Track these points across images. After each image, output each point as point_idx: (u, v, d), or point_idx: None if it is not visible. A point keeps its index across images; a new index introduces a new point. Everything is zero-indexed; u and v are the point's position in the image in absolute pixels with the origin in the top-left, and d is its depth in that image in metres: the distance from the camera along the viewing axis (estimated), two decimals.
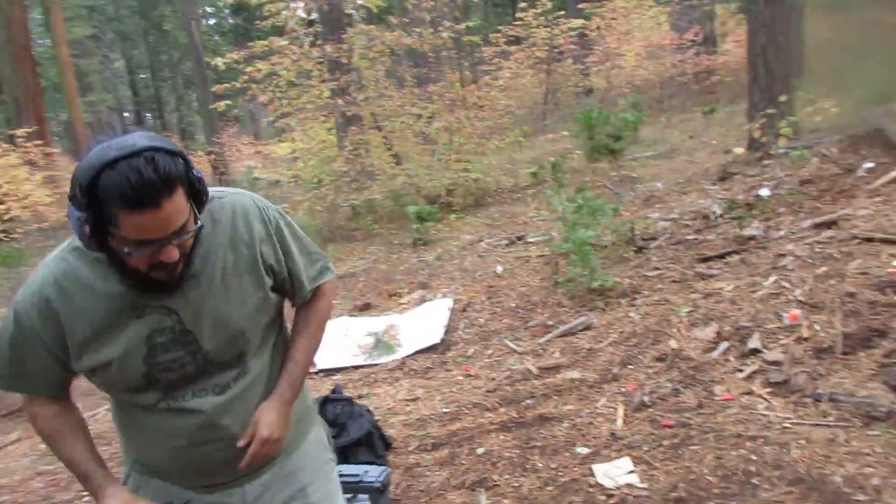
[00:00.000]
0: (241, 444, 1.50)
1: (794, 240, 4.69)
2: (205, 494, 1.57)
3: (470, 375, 4.24)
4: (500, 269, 6.05)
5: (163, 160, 1.26)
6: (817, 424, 2.96)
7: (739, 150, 8.05)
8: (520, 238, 7.07)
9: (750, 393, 3.33)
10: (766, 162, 6.97)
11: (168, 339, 1.43)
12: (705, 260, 4.86)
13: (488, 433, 3.47)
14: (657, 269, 4.98)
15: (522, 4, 18.34)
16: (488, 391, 3.93)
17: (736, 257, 4.73)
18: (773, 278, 4.22)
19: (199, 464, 1.53)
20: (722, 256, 4.84)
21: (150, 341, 1.42)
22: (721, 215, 5.48)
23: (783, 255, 4.48)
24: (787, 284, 4.09)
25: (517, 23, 17.94)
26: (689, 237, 5.36)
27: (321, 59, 10.20)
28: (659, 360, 3.82)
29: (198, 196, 1.39)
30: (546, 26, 18.16)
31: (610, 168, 9.47)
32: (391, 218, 9.79)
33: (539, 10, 17.72)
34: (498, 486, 2.97)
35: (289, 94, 10.24)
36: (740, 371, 3.51)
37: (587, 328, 4.43)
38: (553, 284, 5.15)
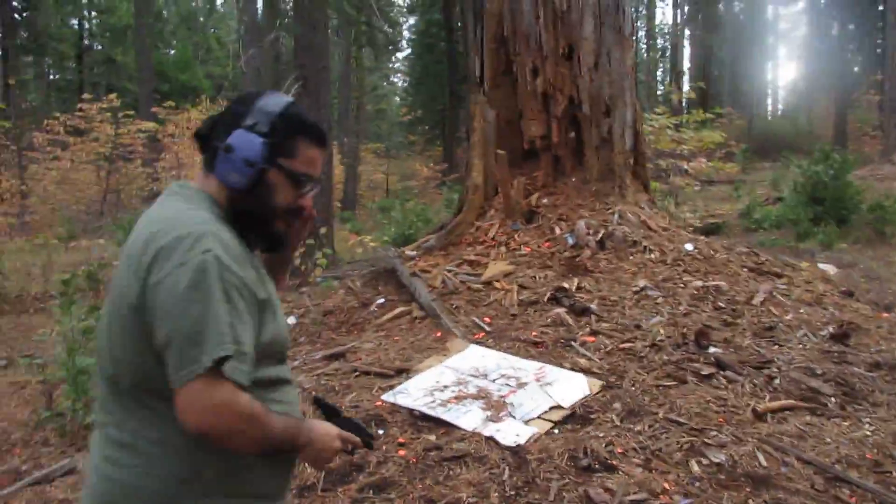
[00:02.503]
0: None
1: (305, 370, 4.85)
2: None
3: None
4: None
5: None
6: None
7: None
8: (28, 357, 6.05)
9: None
10: (302, 289, 7.32)
11: None
12: None
13: None
14: None
15: (87, 95, 17.12)
16: None
17: None
18: None
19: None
20: None
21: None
22: None
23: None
24: None
25: (79, 112, 16.57)
26: None
27: None
28: None
29: None
30: (112, 123, 17.14)
31: None
32: None
33: (105, 105, 16.70)
34: None
35: None
36: None
37: (69, 472, 3.83)
38: (42, 419, 4.42)
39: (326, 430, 1.49)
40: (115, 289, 1.37)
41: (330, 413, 1.62)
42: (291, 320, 5.86)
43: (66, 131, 16.88)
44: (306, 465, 1.50)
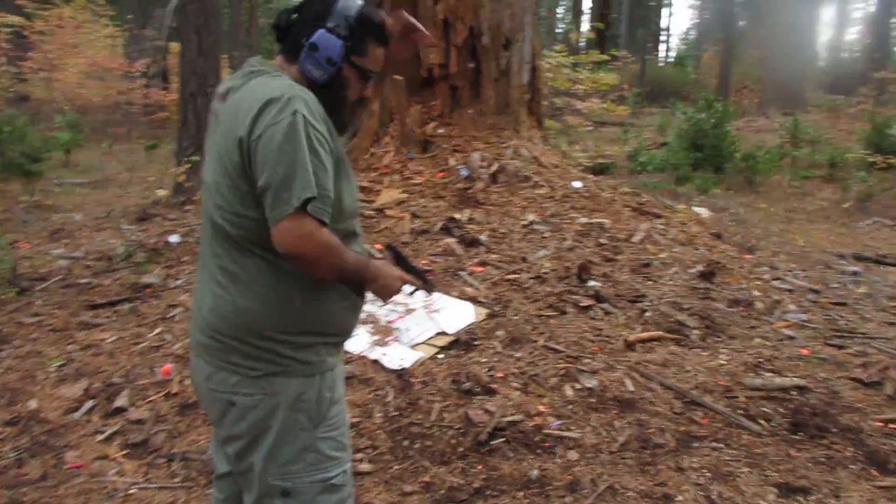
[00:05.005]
0: None
1: (188, 290, 4.72)
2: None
3: None
4: None
5: None
6: (163, 487, 2.90)
7: (163, 192, 7.97)
8: None
9: (104, 457, 3.10)
10: (187, 207, 7.03)
11: None
12: (95, 307, 4.51)
13: None
14: (38, 315, 4.41)
15: None
16: None
17: (128, 305, 4.51)
18: (158, 330, 4.13)
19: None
20: (114, 304, 4.57)
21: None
22: (124, 259, 5.22)
23: (175, 306, 4.46)
24: (169, 337, 4.04)
25: None
26: (83, 280, 4.94)
27: None
28: (10, 423, 3.31)
29: None
30: None
31: (23, 191, 8.34)
32: None
33: None
34: None
35: None
36: (101, 433, 3.26)
37: None
38: None
39: (390, 270, 1.81)
40: (217, 154, 1.63)
41: (398, 259, 1.91)
42: (175, 238, 5.63)
43: None
44: (373, 296, 1.80)
